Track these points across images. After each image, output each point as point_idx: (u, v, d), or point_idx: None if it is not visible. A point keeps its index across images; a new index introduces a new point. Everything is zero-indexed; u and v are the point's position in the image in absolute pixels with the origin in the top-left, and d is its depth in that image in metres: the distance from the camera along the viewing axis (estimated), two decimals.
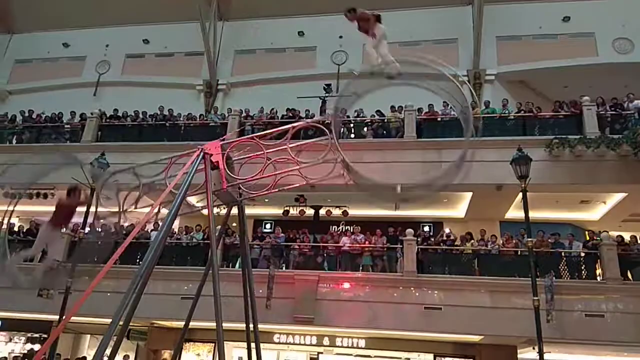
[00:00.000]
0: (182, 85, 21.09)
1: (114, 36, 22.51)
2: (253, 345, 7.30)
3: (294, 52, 20.85)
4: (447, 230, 15.84)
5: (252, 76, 20.75)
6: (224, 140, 6.66)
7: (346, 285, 13.55)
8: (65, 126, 18.01)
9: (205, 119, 17.77)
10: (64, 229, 7.14)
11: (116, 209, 6.69)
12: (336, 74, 19.07)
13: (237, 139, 7.46)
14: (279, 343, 15.32)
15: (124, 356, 14.49)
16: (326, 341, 15.19)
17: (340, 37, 19.76)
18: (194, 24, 20.66)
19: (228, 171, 6.48)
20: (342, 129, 16.24)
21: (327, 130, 6.39)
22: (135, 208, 6.73)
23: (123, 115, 17.94)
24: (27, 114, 18.65)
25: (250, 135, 7.34)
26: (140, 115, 17.81)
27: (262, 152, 6.54)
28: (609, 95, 15.18)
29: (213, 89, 20.88)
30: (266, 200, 16.61)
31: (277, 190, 6.85)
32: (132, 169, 6.80)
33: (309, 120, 7.04)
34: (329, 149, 6.31)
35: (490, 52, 18.91)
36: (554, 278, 12.04)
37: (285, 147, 6.49)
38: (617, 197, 14.79)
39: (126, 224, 7.89)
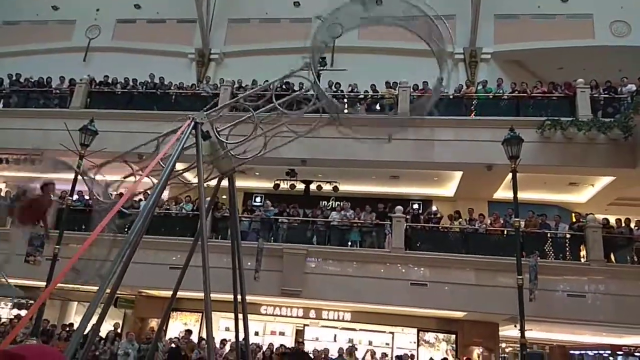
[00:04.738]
0: (173, 53, 20.69)
1: (105, 0, 21.92)
2: (240, 316, 7.35)
3: (289, 23, 20.46)
4: (434, 208, 15.96)
5: (246, 46, 20.39)
6: (207, 110, 6.49)
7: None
8: (54, 91, 17.67)
9: (196, 88, 17.52)
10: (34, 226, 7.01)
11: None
12: (331, 48, 18.77)
13: (224, 104, 7.19)
14: (266, 315, 15.54)
15: (115, 324, 14.59)
16: (312, 314, 15.42)
17: (337, 9, 19.39)
18: None
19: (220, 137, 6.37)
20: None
21: (309, 80, 6.24)
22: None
23: (113, 82, 17.62)
24: (14, 78, 18.25)
25: (236, 98, 7.13)
26: (131, 83, 17.51)
27: (250, 114, 6.41)
28: (603, 79, 15.17)
29: (205, 58, 20.52)
30: (257, 173, 16.55)
31: (268, 150, 6.73)
32: (122, 155, 6.60)
33: (288, 73, 6.78)
34: (315, 98, 6.16)
35: (487, 31, 18.72)
36: (538, 258, 12.22)
37: (273, 104, 6.32)
38: (605, 180, 14.93)
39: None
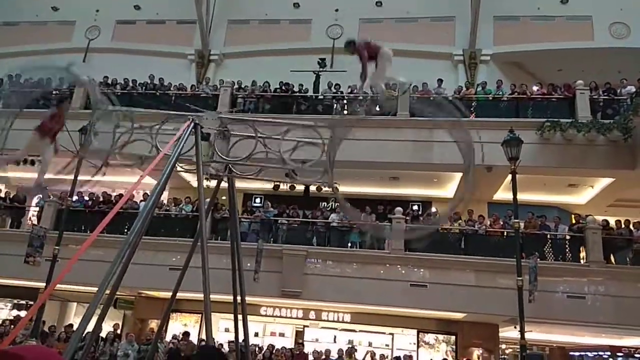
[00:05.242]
0: (173, 54, 20.69)
1: (104, 1, 21.93)
2: (240, 317, 7.36)
3: (289, 25, 20.47)
4: (433, 209, 15.94)
5: (245, 47, 20.39)
6: (220, 113, 6.61)
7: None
8: (54, 92, 17.64)
9: (196, 89, 17.52)
10: (51, 143, 6.96)
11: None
12: (331, 48, 18.80)
13: (235, 116, 7.34)
14: (266, 316, 15.52)
15: (114, 325, 14.57)
16: (312, 315, 15.41)
17: (336, 10, 19.42)
18: None
19: (217, 150, 6.46)
20: (335, 105, 16.16)
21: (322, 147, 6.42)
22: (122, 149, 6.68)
23: (112, 82, 17.62)
24: (14, 78, 18.21)
25: (252, 119, 7.19)
26: (130, 84, 17.51)
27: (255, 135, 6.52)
28: (602, 80, 15.19)
29: (205, 59, 20.53)
30: None
31: (264, 179, 6.88)
32: (131, 112, 6.73)
33: (305, 140, 6.90)
34: (320, 154, 6.33)
35: (486, 32, 18.73)
36: (538, 259, 12.22)
37: (279, 138, 6.46)
38: (605, 181, 14.93)
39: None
